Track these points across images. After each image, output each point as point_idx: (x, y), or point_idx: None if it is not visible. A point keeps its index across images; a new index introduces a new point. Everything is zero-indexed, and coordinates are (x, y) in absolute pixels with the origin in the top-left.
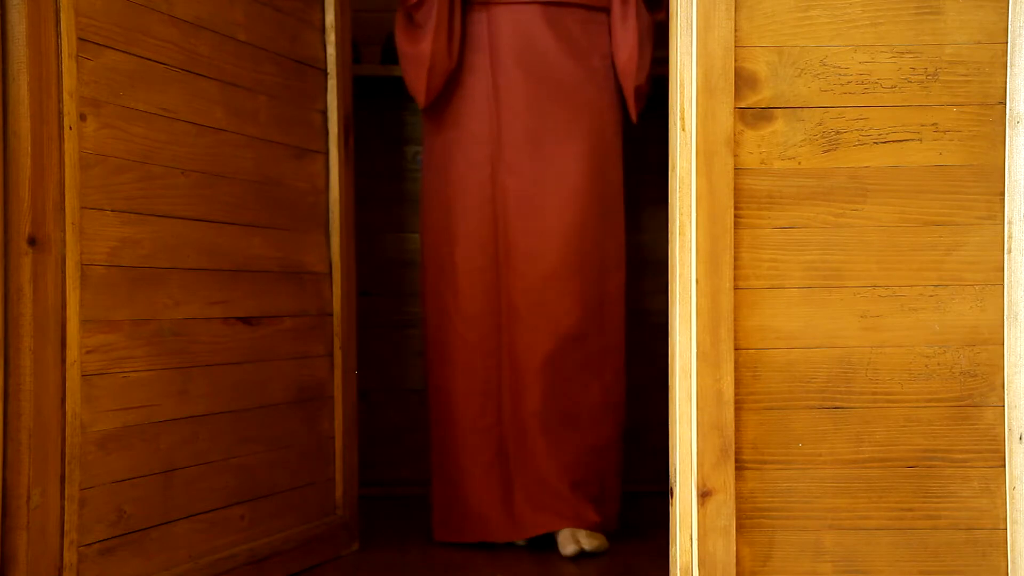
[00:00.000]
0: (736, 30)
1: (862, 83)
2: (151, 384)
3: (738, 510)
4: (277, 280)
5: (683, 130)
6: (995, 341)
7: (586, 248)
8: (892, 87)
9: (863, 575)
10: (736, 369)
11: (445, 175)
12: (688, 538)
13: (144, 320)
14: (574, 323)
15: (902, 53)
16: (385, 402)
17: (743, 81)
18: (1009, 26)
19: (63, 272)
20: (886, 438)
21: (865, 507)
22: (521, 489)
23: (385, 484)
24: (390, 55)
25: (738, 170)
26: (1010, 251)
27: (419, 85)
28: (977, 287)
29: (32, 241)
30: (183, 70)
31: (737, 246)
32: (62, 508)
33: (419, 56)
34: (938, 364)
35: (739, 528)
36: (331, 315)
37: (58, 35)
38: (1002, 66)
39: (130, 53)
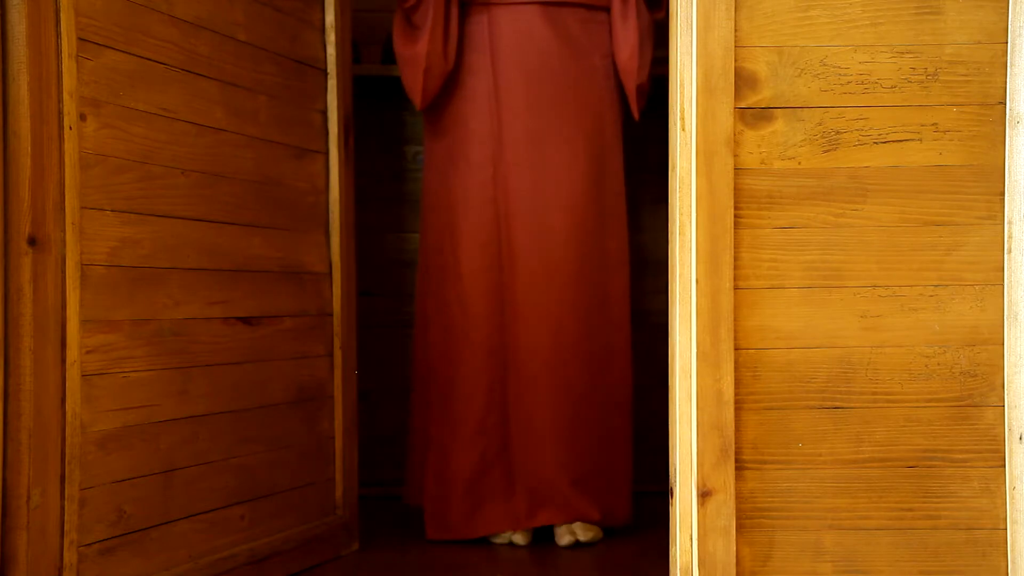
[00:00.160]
0: (736, 30)
1: (862, 83)
2: (151, 384)
3: (738, 510)
4: (277, 280)
5: (683, 130)
6: (995, 341)
7: (588, 247)
8: (892, 87)
9: (863, 575)
10: (736, 369)
11: (446, 176)
12: (688, 538)
13: (144, 320)
14: (576, 322)
15: (902, 53)
16: (385, 402)
17: (743, 81)
18: (1009, 26)
19: (63, 272)
20: (886, 438)
21: (865, 507)
22: (522, 487)
23: (385, 484)
24: (390, 55)
25: (738, 170)
26: (1010, 251)
27: (416, 87)
28: (977, 287)
29: (32, 241)
30: (183, 70)
31: (737, 246)
32: (62, 508)
33: (415, 58)
34: (938, 364)
35: (739, 528)
36: (331, 315)
37: (58, 35)
38: (1002, 66)
39: (130, 53)
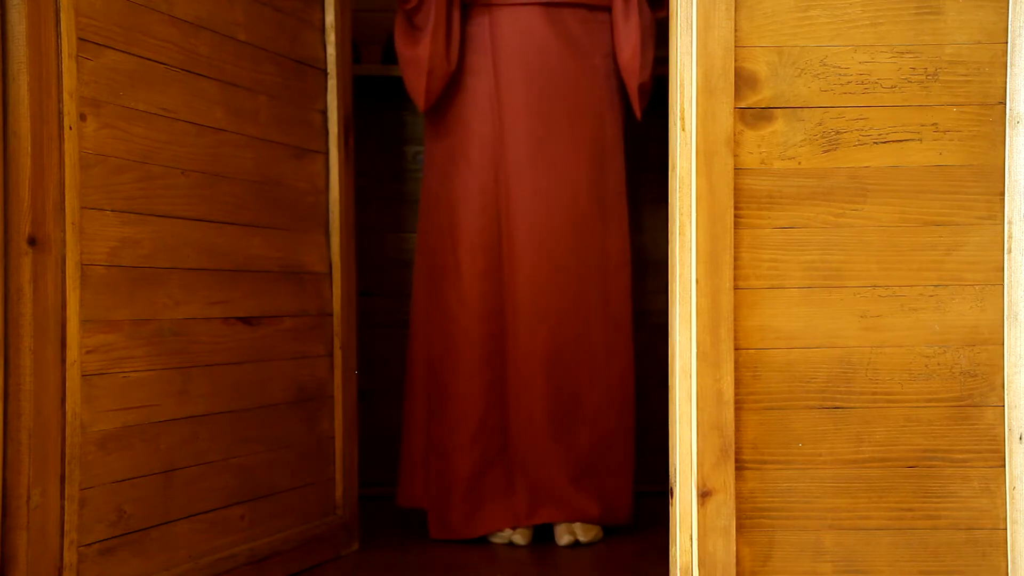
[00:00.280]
0: (736, 30)
1: (862, 83)
2: (151, 384)
3: (738, 510)
4: (277, 280)
5: (683, 130)
6: (995, 341)
7: (589, 247)
8: (892, 87)
9: (863, 575)
10: (736, 369)
11: (448, 177)
12: (688, 538)
13: (144, 320)
14: (577, 322)
15: (902, 53)
16: (385, 402)
17: (743, 81)
18: (1009, 26)
19: (63, 272)
20: (886, 438)
21: (865, 507)
22: (523, 485)
23: (385, 484)
24: (390, 55)
25: (738, 170)
26: (1010, 251)
27: (419, 89)
28: (977, 287)
29: (32, 241)
30: (183, 70)
31: (737, 246)
32: (62, 508)
33: (418, 60)
34: (938, 364)
35: (739, 528)
36: (331, 315)
37: (58, 35)
38: (1002, 66)
39: (130, 53)
